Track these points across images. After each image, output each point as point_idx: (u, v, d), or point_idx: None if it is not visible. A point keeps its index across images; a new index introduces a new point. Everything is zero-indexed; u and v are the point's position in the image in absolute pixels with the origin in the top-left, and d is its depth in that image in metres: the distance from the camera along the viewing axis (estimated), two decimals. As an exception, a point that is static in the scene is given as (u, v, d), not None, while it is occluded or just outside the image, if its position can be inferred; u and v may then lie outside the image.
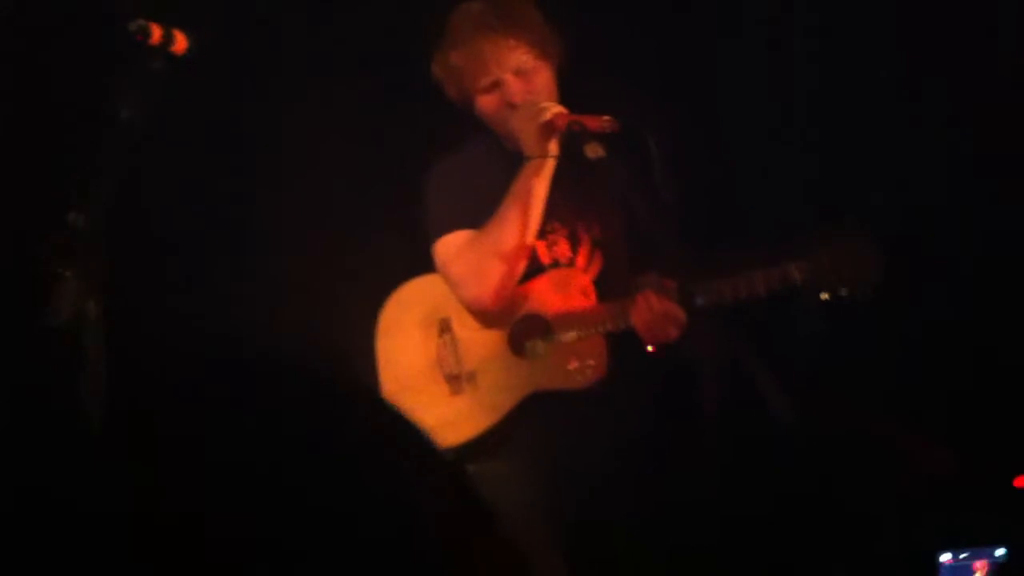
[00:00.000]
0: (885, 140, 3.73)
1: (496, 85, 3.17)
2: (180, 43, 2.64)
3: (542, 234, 3.18)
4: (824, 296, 3.00)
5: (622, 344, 3.12)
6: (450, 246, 3.19)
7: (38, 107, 3.35)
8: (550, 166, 3.12)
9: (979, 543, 2.57)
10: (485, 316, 3.20)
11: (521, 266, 3.14)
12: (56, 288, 2.50)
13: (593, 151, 2.95)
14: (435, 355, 3.23)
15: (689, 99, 3.74)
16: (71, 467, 1.03)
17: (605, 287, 3.18)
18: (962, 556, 2.50)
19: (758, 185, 3.77)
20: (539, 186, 3.11)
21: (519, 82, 3.16)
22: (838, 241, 3.03)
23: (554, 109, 3.08)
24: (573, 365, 3.14)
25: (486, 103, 3.21)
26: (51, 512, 0.97)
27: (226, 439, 1.00)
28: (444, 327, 3.23)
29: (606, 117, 3.00)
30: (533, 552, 2.96)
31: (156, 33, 2.60)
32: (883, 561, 3.48)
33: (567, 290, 3.19)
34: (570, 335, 3.14)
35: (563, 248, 3.22)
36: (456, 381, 3.20)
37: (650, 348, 3.08)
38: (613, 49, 3.68)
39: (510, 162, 3.17)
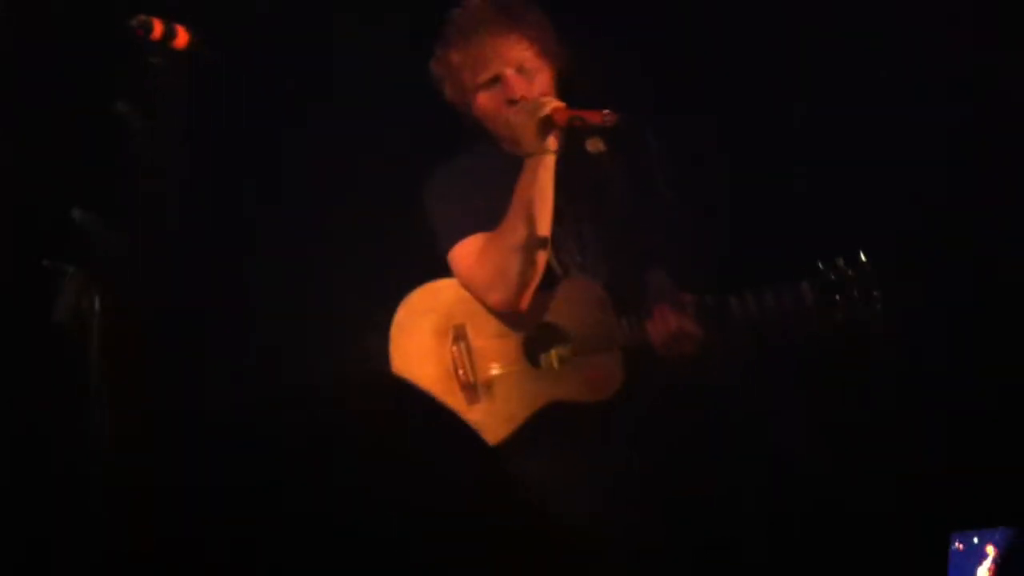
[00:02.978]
0: (900, 151, 3.71)
1: (496, 80, 3.14)
2: (182, 38, 2.65)
3: (550, 240, 3.16)
4: (839, 317, 2.98)
5: (638, 357, 3.10)
6: (468, 252, 3.17)
7: (40, 103, 3.38)
8: (551, 160, 3.10)
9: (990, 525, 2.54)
10: (511, 318, 3.17)
11: (542, 261, 3.11)
12: (58, 284, 2.51)
13: (594, 146, 2.97)
14: (450, 364, 3.20)
15: (699, 103, 3.73)
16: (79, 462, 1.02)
17: (617, 291, 3.15)
18: (975, 539, 2.48)
19: (774, 196, 3.75)
20: (544, 180, 3.09)
21: (520, 79, 3.13)
22: (852, 263, 3.02)
23: (552, 104, 3.06)
24: (589, 377, 3.12)
25: (485, 101, 3.17)
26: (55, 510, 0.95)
27: (250, 449, 0.98)
28: (459, 335, 3.20)
29: (606, 111, 2.97)
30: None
31: (158, 28, 2.61)
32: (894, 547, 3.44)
33: (584, 300, 3.16)
34: (586, 347, 3.12)
35: (570, 251, 3.21)
36: (472, 391, 3.18)
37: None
38: (615, 47, 3.67)
39: (509, 165, 3.15)
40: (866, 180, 3.69)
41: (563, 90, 3.17)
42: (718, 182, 3.63)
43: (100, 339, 2.54)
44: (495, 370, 3.17)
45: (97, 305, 2.54)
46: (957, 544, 2.54)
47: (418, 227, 3.28)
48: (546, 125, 3.06)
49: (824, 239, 3.22)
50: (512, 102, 3.12)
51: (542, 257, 3.11)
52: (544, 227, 3.10)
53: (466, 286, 3.20)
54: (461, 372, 3.18)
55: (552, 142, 3.10)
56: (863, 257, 3.02)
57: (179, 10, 2.68)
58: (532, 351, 3.18)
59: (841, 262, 3.02)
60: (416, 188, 3.29)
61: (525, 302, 3.13)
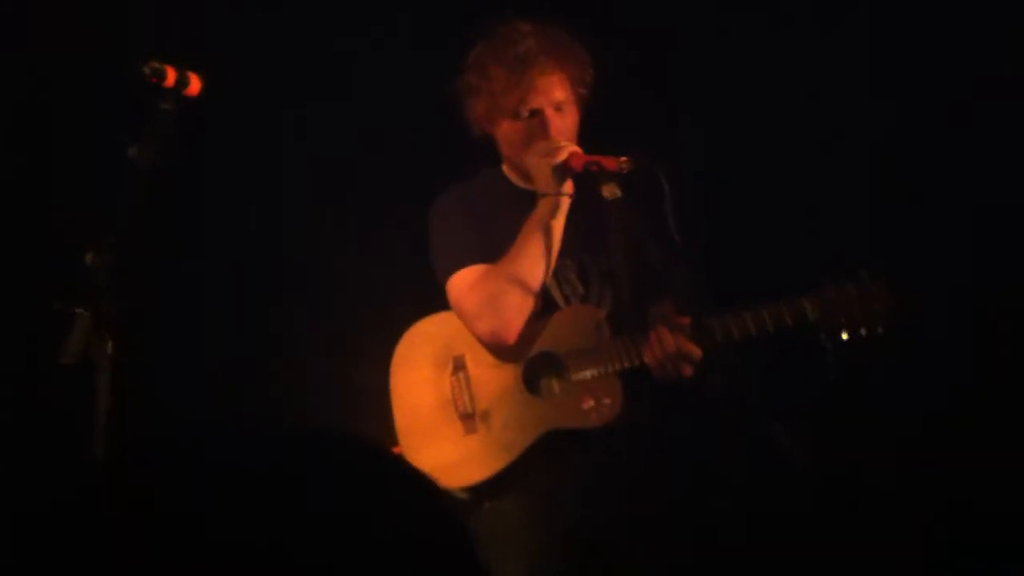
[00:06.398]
0: (905, 180, 3.69)
1: (534, 115, 3.15)
2: (194, 85, 2.65)
3: (553, 271, 3.16)
4: (844, 335, 2.95)
5: (637, 383, 3.09)
6: (465, 280, 3.18)
7: (53, 147, 3.38)
8: (564, 204, 3.11)
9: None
10: (500, 350, 3.18)
11: (536, 301, 3.12)
12: (68, 327, 2.51)
13: (610, 192, 2.95)
14: (448, 393, 3.21)
15: (704, 137, 3.72)
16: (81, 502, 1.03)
17: (618, 322, 3.16)
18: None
19: (774, 224, 3.74)
20: (555, 223, 3.11)
21: (556, 118, 3.15)
22: (854, 280, 3.00)
23: (569, 149, 3.08)
24: (588, 404, 3.11)
25: (514, 129, 3.18)
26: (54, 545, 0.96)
27: (226, 487, 0.99)
28: (458, 365, 3.21)
29: (623, 158, 2.97)
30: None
31: (171, 75, 2.61)
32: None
33: (581, 327, 3.16)
34: (584, 373, 3.12)
35: (574, 285, 3.21)
36: (470, 420, 3.18)
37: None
38: (629, 88, 3.66)
39: (516, 196, 3.19)
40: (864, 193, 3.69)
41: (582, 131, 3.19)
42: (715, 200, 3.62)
43: (109, 380, 2.54)
44: (493, 399, 3.17)
45: (108, 348, 2.54)
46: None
47: (411, 252, 3.29)
48: (563, 170, 3.07)
49: (828, 255, 3.21)
50: (544, 138, 3.12)
51: (536, 299, 3.13)
52: (547, 270, 3.12)
53: (458, 313, 3.20)
54: (459, 402, 3.19)
55: (568, 185, 3.12)
56: (866, 273, 3.00)
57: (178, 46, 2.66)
58: (530, 380, 3.19)
59: (844, 278, 3.00)
60: (410, 213, 3.31)
61: (512, 336, 3.14)
